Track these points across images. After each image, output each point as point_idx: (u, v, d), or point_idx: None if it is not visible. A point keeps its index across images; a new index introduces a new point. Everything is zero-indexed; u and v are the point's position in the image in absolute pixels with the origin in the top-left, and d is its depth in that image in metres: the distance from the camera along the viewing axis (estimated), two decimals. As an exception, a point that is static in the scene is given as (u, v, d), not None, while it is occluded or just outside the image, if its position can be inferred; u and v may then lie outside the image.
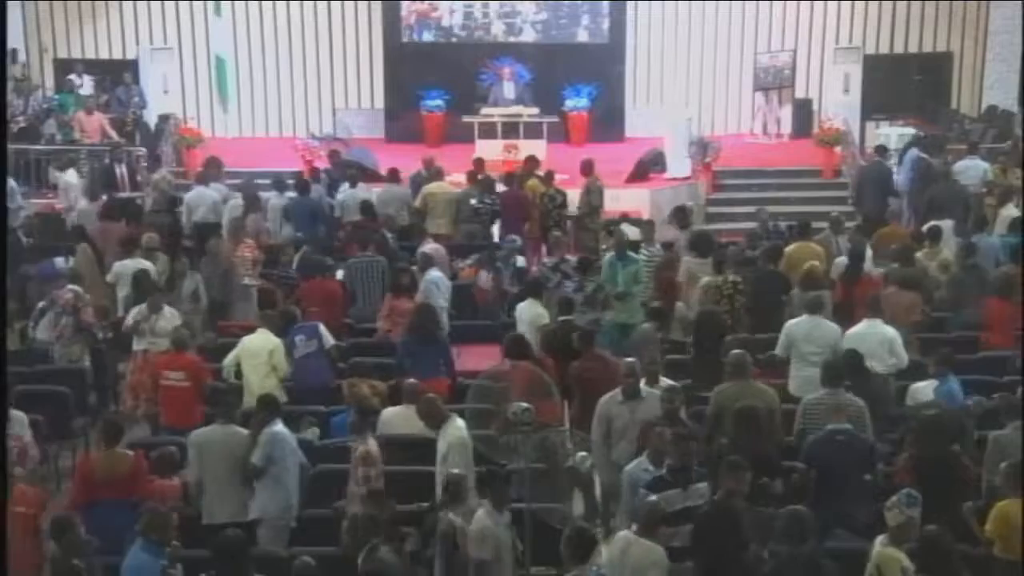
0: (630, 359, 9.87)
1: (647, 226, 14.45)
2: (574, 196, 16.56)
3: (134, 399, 11.46)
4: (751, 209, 17.50)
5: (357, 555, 7.99)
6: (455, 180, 17.16)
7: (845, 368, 9.88)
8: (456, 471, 8.63)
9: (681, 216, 14.74)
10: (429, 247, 13.95)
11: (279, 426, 9.22)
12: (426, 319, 11.48)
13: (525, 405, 8.40)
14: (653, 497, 7.94)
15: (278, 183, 16.67)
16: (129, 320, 11.79)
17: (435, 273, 13.11)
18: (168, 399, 10.74)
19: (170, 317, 11.72)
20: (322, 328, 11.47)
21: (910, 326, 11.61)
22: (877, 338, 10.72)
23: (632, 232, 15.68)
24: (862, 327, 10.92)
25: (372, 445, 9.11)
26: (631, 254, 13.08)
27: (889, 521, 7.58)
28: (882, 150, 18.00)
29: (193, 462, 9.22)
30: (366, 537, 7.97)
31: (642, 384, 9.65)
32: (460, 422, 9.18)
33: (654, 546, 7.67)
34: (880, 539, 7.58)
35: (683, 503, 8.14)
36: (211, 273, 13.35)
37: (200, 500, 9.15)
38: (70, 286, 12.61)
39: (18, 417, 9.76)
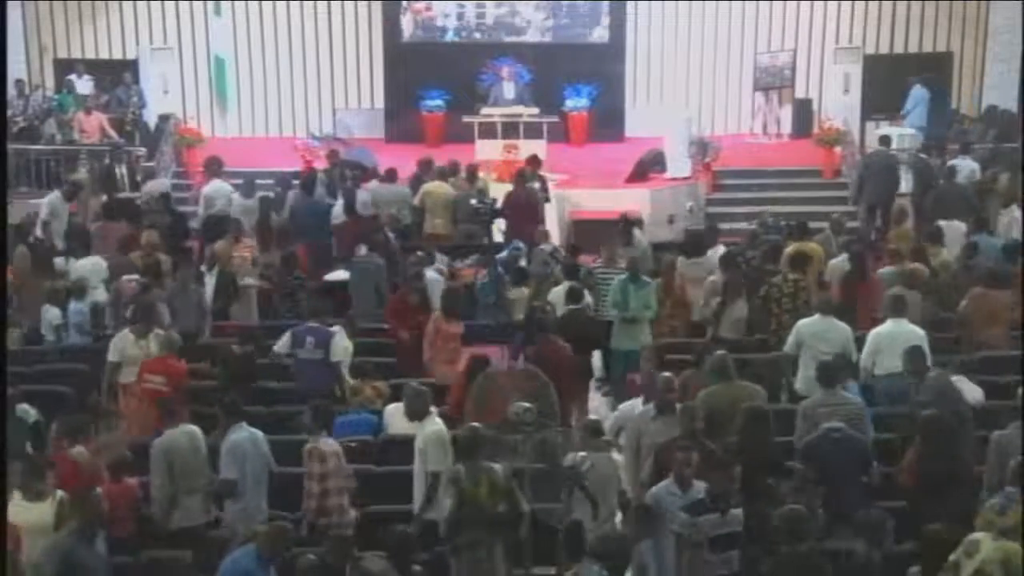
0: (666, 373, 9.60)
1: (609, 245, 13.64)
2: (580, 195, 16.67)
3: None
4: (751, 209, 17.51)
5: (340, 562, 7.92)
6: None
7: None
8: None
9: (626, 232, 14.14)
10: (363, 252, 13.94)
11: (239, 433, 9.12)
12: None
13: (527, 405, 8.41)
14: (684, 516, 7.97)
15: (282, 182, 16.68)
16: (114, 355, 11.13)
17: (430, 274, 13.10)
18: (146, 402, 10.57)
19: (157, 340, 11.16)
20: (335, 339, 11.25)
21: (1008, 326, 11.61)
22: (904, 338, 10.66)
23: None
24: (889, 327, 10.85)
25: (323, 443, 9.04)
26: (644, 277, 12.56)
27: (1002, 522, 7.50)
28: (886, 140, 17.89)
29: (159, 468, 9.04)
30: (345, 555, 7.92)
31: None
32: (438, 419, 9.22)
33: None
34: (986, 535, 7.42)
35: (722, 529, 8.01)
36: (183, 304, 12.54)
37: (167, 506, 9.04)
38: (129, 276, 12.67)
39: (24, 411, 9.83)
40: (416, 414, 9.31)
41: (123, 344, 11.11)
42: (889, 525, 7.81)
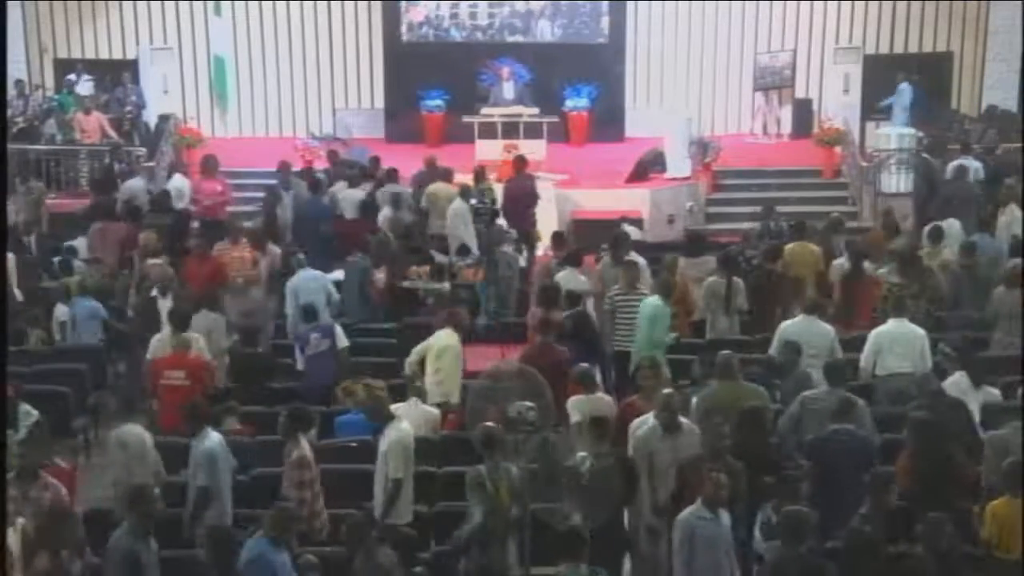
0: (668, 390, 9.33)
1: (632, 269, 12.47)
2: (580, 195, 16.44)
3: None
4: (751, 209, 17.50)
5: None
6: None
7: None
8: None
9: (619, 245, 13.36)
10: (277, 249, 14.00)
11: (209, 439, 9.07)
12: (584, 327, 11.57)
13: (529, 404, 8.39)
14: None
15: (283, 181, 16.66)
16: (150, 354, 11.27)
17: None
18: (167, 400, 10.61)
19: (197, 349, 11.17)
20: (338, 329, 11.52)
21: None
22: (907, 338, 10.67)
23: (632, 232, 15.75)
24: (891, 326, 10.86)
25: (306, 448, 9.03)
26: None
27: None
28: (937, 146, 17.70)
29: (116, 460, 9.05)
30: (361, 539, 7.95)
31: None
32: (405, 424, 9.22)
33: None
34: None
35: None
36: None
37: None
38: (153, 260, 12.88)
39: (24, 411, 9.81)
40: (378, 418, 9.29)
41: (162, 345, 11.17)
42: (948, 528, 7.82)
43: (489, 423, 8.65)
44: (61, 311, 12.88)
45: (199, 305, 11.92)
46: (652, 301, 11.67)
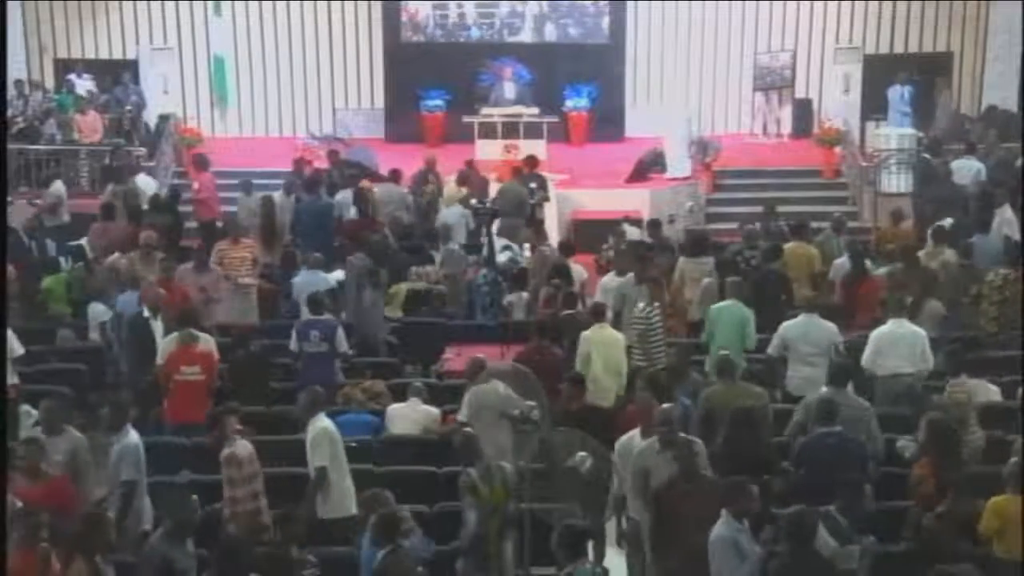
0: (667, 405, 9.05)
1: (651, 286, 11.93)
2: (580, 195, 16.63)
3: None
4: (751, 209, 17.50)
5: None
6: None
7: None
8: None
9: (637, 260, 12.85)
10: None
11: (129, 436, 9.00)
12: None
13: (532, 404, 8.38)
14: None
15: (287, 184, 16.63)
16: (160, 358, 11.07)
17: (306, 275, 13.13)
18: (182, 395, 10.60)
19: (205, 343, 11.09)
20: (340, 332, 11.45)
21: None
22: (907, 339, 10.66)
23: (633, 232, 15.76)
24: (891, 327, 10.82)
25: (239, 447, 8.93)
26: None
27: None
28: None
29: (64, 465, 8.92)
30: (390, 535, 7.93)
31: None
32: (326, 418, 9.15)
33: None
34: None
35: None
36: None
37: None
38: (115, 257, 13.02)
39: (25, 411, 9.82)
40: (309, 413, 9.22)
41: (169, 348, 11.04)
42: (815, 525, 7.80)
43: (468, 428, 8.66)
44: (99, 310, 12.68)
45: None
46: (733, 307, 11.46)
